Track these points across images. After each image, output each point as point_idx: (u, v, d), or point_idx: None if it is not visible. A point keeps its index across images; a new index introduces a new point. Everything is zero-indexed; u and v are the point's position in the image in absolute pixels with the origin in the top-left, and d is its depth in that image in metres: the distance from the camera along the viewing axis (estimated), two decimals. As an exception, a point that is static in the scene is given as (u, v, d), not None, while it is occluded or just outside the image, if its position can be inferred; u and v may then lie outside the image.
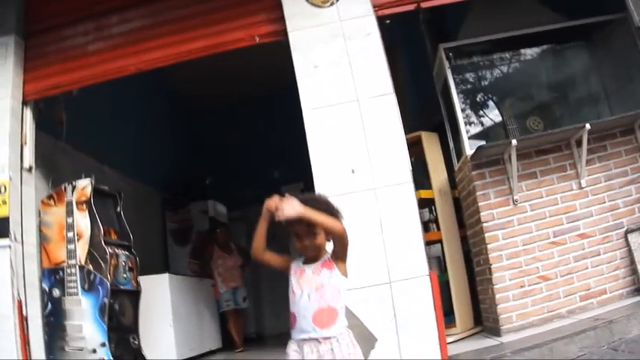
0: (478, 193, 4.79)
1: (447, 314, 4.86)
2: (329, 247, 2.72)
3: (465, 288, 5.31)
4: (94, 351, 4.50)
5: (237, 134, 9.06)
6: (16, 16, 4.98)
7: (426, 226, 5.27)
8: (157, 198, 8.21)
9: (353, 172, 4.22)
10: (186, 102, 9.22)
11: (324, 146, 4.31)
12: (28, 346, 4.42)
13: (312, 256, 2.68)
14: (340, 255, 2.70)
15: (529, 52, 5.68)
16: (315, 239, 2.62)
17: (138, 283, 5.03)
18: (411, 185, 4.23)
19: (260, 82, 8.28)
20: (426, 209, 5.34)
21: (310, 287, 2.61)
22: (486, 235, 4.72)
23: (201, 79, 8.33)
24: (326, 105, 4.38)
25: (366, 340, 3.99)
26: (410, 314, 4.02)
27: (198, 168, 8.78)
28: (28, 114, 4.85)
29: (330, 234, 2.66)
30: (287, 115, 4.74)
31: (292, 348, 2.62)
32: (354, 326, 3.96)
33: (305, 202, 2.58)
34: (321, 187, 4.16)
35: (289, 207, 2.52)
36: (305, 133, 4.38)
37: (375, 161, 4.23)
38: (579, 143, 4.73)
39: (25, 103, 4.87)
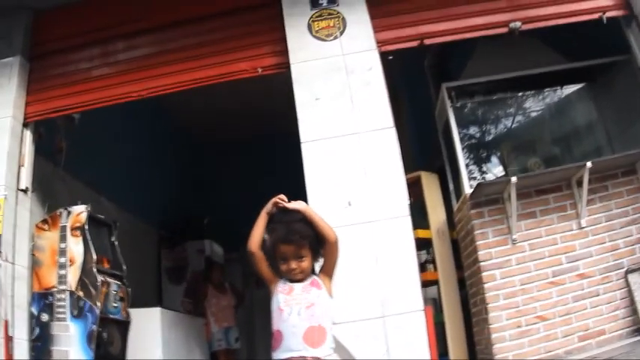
0: (476, 232, 4.72)
1: (442, 356, 4.77)
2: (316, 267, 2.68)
3: (461, 329, 5.19)
4: (80, 379, 4.41)
5: (238, 174, 9.05)
6: (23, 37, 5.03)
7: (423, 266, 5.22)
8: (153, 235, 8.16)
9: (350, 204, 4.18)
10: (189, 140, 9.24)
11: (321, 178, 4.29)
12: (13, 367, 4.34)
13: (298, 280, 2.61)
14: (329, 270, 2.66)
15: (532, 94, 5.71)
16: (301, 262, 2.57)
17: (128, 314, 4.94)
18: (409, 219, 4.18)
19: (262, 123, 8.31)
20: (424, 251, 5.31)
21: (300, 305, 2.53)
22: (483, 274, 4.65)
23: (204, 118, 8.41)
24: (325, 137, 4.38)
25: (358, 376, 3.91)
26: (404, 349, 3.92)
27: (196, 207, 8.73)
28: (28, 136, 4.86)
29: (323, 241, 2.61)
30: (288, 158, 4.73)
31: None
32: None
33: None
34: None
35: (294, 203, 2.59)
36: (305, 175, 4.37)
37: (373, 194, 4.20)
38: (580, 183, 4.69)
39: (25, 124, 4.88)
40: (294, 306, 2.53)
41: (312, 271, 2.66)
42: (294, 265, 2.56)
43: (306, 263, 2.58)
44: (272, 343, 2.56)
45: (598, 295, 4.67)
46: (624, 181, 4.91)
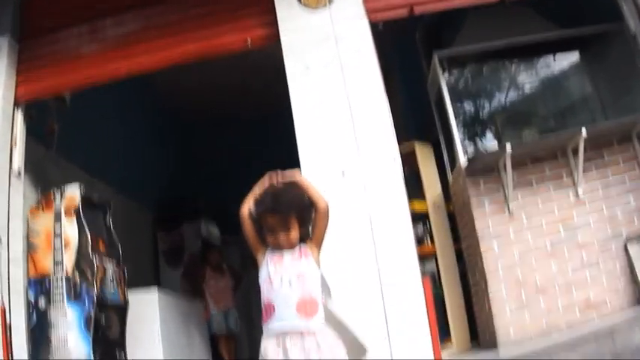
0: (473, 203, 4.68)
1: (442, 329, 4.75)
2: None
3: (461, 303, 5.18)
4: (79, 363, 4.39)
5: (233, 155, 8.99)
6: (11, 18, 5.00)
7: (419, 240, 5.19)
8: (149, 217, 8.13)
9: (343, 174, 4.15)
10: (183, 121, 9.18)
11: (314, 148, 4.26)
12: (11, 354, 4.29)
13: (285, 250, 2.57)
14: (318, 240, 2.62)
15: (525, 64, 5.66)
16: (289, 233, 2.53)
17: (125, 297, 4.92)
18: (403, 188, 4.15)
19: (257, 102, 8.26)
20: (420, 224, 5.28)
21: (291, 274, 2.50)
22: (482, 246, 4.61)
23: (199, 99, 8.36)
24: (317, 107, 4.34)
25: (356, 349, 3.87)
26: (402, 320, 3.90)
27: (192, 189, 8.70)
28: (19, 117, 4.82)
29: (314, 208, 2.58)
30: (283, 138, 4.69)
31: (271, 345, 2.46)
32: (343, 334, 3.87)
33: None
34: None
35: (287, 171, 2.61)
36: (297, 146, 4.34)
37: (366, 164, 4.16)
38: (575, 152, 4.65)
39: (16, 105, 4.85)
40: (284, 275, 2.50)
41: (300, 240, 2.62)
42: (281, 236, 2.53)
43: (293, 234, 2.55)
44: (263, 314, 2.53)
45: (598, 266, 4.64)
46: (620, 149, 4.86)
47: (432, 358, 3.84)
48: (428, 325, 3.88)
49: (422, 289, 3.94)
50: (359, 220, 4.07)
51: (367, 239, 4.04)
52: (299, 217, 2.56)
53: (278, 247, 2.56)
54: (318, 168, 4.18)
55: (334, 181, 4.13)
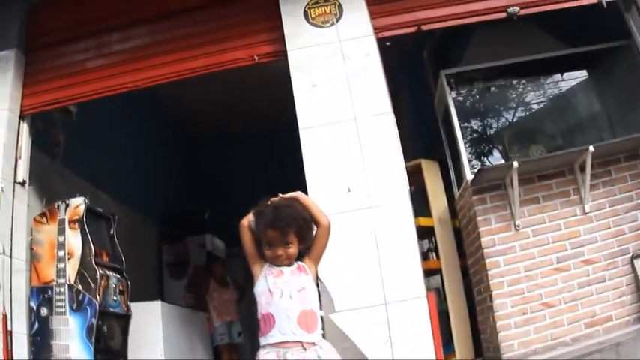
0: (479, 219, 4.68)
1: (446, 344, 4.72)
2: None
3: (465, 317, 5.17)
4: (81, 373, 4.37)
5: (238, 169, 9.02)
6: (18, 31, 5.02)
7: (425, 255, 5.22)
8: (153, 230, 8.12)
9: (349, 190, 4.14)
10: (189, 135, 9.22)
11: (320, 164, 4.25)
12: (12, 360, 4.30)
13: (283, 265, 2.56)
14: (316, 257, 2.62)
15: (532, 81, 5.67)
16: (288, 248, 2.52)
17: (128, 308, 4.90)
18: (409, 204, 4.13)
19: (262, 118, 8.27)
20: (426, 240, 5.28)
21: (291, 288, 2.48)
22: (487, 261, 4.60)
23: (204, 112, 8.37)
24: (323, 123, 4.34)
25: (360, 363, 3.86)
26: (406, 336, 3.86)
27: (197, 201, 8.71)
28: (25, 129, 4.83)
29: (316, 225, 2.57)
30: (289, 152, 4.69)
31: (270, 357, 2.41)
32: (347, 349, 3.86)
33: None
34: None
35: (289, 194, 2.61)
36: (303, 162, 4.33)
37: (372, 180, 4.15)
38: (582, 169, 4.64)
39: (22, 117, 4.86)
40: (284, 289, 2.48)
41: (297, 258, 2.61)
42: (280, 251, 2.51)
43: (292, 250, 2.53)
44: (260, 327, 2.49)
45: (604, 281, 4.63)
46: (627, 166, 4.86)
47: (436, 372, 3.83)
48: (432, 340, 3.86)
49: (427, 304, 3.93)
50: (364, 236, 4.05)
51: (372, 255, 4.02)
52: (298, 233, 2.54)
53: (276, 262, 2.54)
54: (323, 184, 4.18)
55: (340, 197, 4.13)
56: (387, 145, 4.26)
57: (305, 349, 2.41)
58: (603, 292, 4.61)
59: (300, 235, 2.55)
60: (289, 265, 2.56)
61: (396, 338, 3.87)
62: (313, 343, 2.45)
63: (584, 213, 4.72)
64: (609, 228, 4.72)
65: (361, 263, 4.00)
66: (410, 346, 3.85)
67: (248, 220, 2.61)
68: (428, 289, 4.10)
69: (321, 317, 2.61)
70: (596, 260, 4.66)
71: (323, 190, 4.14)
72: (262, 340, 2.47)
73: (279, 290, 2.48)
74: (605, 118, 5.52)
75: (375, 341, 3.88)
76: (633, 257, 4.65)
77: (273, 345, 2.42)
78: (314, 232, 2.62)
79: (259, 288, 2.53)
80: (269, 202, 2.60)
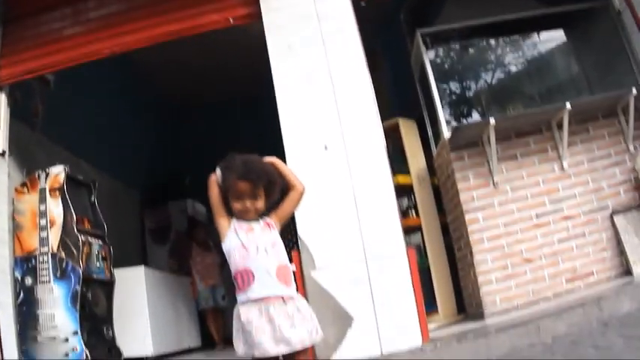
0: (457, 176, 4.72)
1: (429, 302, 4.76)
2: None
3: (447, 275, 5.22)
4: (66, 340, 4.38)
5: (218, 134, 8.84)
6: (-6, 2, 4.99)
7: (405, 213, 5.23)
8: (135, 197, 8.14)
9: (326, 148, 4.15)
10: (168, 101, 9.10)
11: (296, 124, 4.26)
12: (-1, 331, 4.32)
13: (251, 219, 2.53)
14: (283, 216, 2.60)
15: (510, 41, 5.65)
16: (256, 202, 2.48)
17: (112, 274, 4.95)
18: (386, 161, 4.16)
19: (243, 83, 8.11)
20: (405, 198, 5.33)
21: (265, 243, 2.46)
22: (466, 217, 4.65)
23: (184, 79, 8.29)
24: (299, 84, 4.34)
25: (342, 318, 3.89)
26: (388, 291, 3.91)
27: (177, 167, 8.70)
28: (3, 99, 4.79)
29: (291, 189, 2.57)
30: (268, 118, 4.69)
31: (253, 312, 2.38)
32: (329, 306, 3.89)
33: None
34: (293, 164, 4.05)
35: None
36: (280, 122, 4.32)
37: (349, 138, 4.17)
38: (560, 126, 4.69)
39: (0, 88, 4.82)
40: (259, 244, 2.46)
41: (262, 214, 2.60)
42: (248, 204, 2.49)
43: (260, 204, 2.50)
44: (238, 283, 2.46)
45: (584, 237, 4.70)
46: (605, 124, 4.93)
47: (418, 326, 3.86)
48: (413, 295, 3.90)
49: (407, 259, 3.96)
50: (342, 193, 4.08)
51: (351, 212, 4.05)
52: (267, 188, 2.53)
53: (243, 215, 2.53)
54: (300, 142, 4.19)
55: (317, 155, 4.15)
56: (364, 104, 4.27)
57: (285, 303, 2.41)
58: (584, 248, 4.67)
59: (269, 190, 2.53)
60: (256, 220, 2.55)
61: (377, 294, 3.91)
62: (292, 297, 2.45)
63: (563, 170, 4.77)
64: (588, 184, 4.79)
65: (340, 220, 4.03)
66: (392, 302, 3.90)
67: (217, 176, 2.60)
68: (408, 245, 4.15)
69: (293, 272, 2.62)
70: (576, 216, 4.72)
71: (300, 148, 4.16)
72: (242, 296, 2.44)
73: (255, 246, 2.45)
74: (583, 79, 5.51)
75: (357, 298, 3.91)
76: (613, 214, 4.71)
77: (255, 301, 2.40)
78: (278, 192, 2.62)
79: (231, 243, 2.51)
80: (236, 157, 2.59)
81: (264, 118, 5.12)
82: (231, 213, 2.55)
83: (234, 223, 2.52)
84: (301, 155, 4.12)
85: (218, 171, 2.53)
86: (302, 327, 2.38)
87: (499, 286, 4.55)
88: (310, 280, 3.95)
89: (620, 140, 4.90)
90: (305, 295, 3.92)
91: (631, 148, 4.88)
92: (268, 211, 2.58)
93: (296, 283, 4.00)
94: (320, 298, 3.90)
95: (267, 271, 2.41)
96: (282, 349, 2.35)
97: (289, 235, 5.08)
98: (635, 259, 4.58)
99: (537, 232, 4.65)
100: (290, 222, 4.72)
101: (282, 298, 2.40)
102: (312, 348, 3.88)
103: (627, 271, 4.59)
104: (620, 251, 4.66)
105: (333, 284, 3.95)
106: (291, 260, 4.26)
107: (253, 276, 2.41)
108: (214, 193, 2.54)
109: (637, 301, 3.82)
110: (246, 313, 2.39)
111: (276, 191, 2.56)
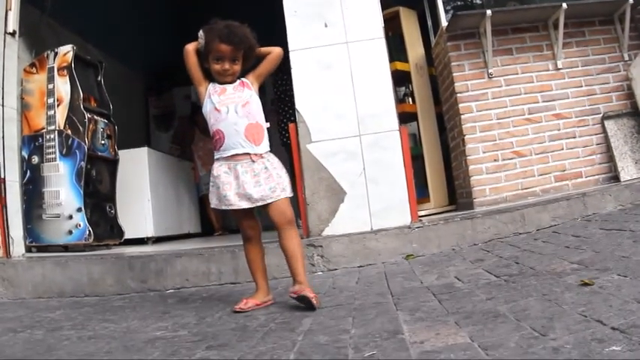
0: (453, 64, 4.83)
1: (421, 189, 4.90)
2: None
3: (440, 163, 5.35)
4: (70, 217, 4.53)
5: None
6: None
7: (402, 100, 5.36)
8: (140, 82, 8.19)
9: (326, 26, 4.25)
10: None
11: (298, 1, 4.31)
12: (5, 208, 4.43)
13: (227, 82, 2.68)
14: (261, 75, 2.75)
15: None
16: (234, 64, 2.63)
17: (116, 152, 5.08)
18: (383, 41, 4.21)
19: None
20: (403, 87, 5.42)
21: (236, 103, 2.61)
22: (460, 106, 4.77)
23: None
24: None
25: (335, 193, 4.01)
26: (379, 166, 4.03)
27: (182, 54, 8.58)
28: (14, -20, 4.86)
29: (270, 53, 2.74)
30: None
31: (222, 170, 2.60)
32: (323, 179, 4.02)
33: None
34: (293, 40, 4.17)
35: None
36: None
37: (348, 15, 4.23)
38: (557, 26, 4.78)
39: (11, -31, 4.89)
40: (230, 104, 2.60)
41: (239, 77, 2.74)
42: (227, 65, 2.62)
43: (237, 66, 2.65)
44: (214, 144, 2.64)
45: (574, 137, 4.82)
46: (601, 30, 5.01)
47: (408, 205, 4.00)
48: (404, 173, 4.02)
49: (399, 137, 4.07)
50: (340, 70, 4.16)
51: (347, 88, 4.13)
52: (247, 52, 2.66)
53: (220, 77, 2.66)
54: (301, 17, 4.24)
55: (318, 31, 4.22)
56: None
57: (253, 161, 2.57)
58: (574, 148, 4.81)
59: (247, 55, 2.67)
60: (232, 81, 2.68)
61: (369, 169, 4.03)
62: (261, 155, 2.60)
63: (557, 68, 4.88)
64: (581, 86, 4.90)
65: (337, 96, 4.12)
66: (383, 179, 4.02)
67: (192, 44, 2.73)
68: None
69: (267, 129, 2.73)
70: (567, 116, 4.84)
71: (301, 24, 4.23)
72: (216, 155, 2.65)
73: (225, 107, 2.61)
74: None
75: (350, 173, 4.04)
76: (604, 118, 4.82)
77: (226, 159, 2.60)
78: (254, 58, 2.73)
79: (207, 108, 2.67)
80: (219, 21, 2.70)
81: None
82: (209, 78, 2.71)
83: (210, 87, 2.69)
84: (302, 31, 4.21)
85: (201, 32, 2.68)
86: (265, 185, 2.57)
87: (489, 176, 4.70)
88: (306, 152, 4.07)
89: (615, 48, 4.99)
90: (300, 166, 4.06)
91: (625, 56, 4.98)
92: (243, 75, 2.74)
93: (291, 154, 4.22)
94: (315, 172, 4.03)
95: (236, 131, 2.58)
96: (244, 204, 2.58)
97: (287, 107, 5.21)
98: (623, 166, 4.71)
99: (529, 127, 4.78)
100: (289, 94, 4.86)
101: (250, 155, 2.56)
102: (306, 221, 4.07)
103: (615, 177, 4.72)
104: (610, 157, 4.78)
105: (327, 158, 4.06)
106: (288, 132, 4.39)
107: (224, 136, 2.59)
108: (192, 61, 2.72)
109: (621, 202, 3.98)
110: (217, 170, 2.62)
111: (251, 58, 2.72)
